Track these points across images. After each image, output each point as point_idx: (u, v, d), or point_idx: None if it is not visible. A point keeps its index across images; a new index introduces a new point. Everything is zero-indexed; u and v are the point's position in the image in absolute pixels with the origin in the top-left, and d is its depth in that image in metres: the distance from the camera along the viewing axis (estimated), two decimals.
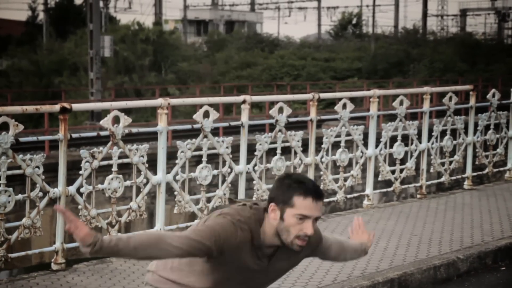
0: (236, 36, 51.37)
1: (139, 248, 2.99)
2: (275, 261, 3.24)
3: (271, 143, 7.09)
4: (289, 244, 3.13)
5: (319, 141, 7.51)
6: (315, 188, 3.12)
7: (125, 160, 6.05)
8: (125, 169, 6.61)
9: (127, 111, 6.23)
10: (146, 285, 3.34)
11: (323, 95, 8.00)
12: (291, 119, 7.37)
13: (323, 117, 8.48)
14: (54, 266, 5.71)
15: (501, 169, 10.01)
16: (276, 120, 7.05)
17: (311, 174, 7.49)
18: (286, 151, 7.25)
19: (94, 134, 6.53)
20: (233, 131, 13.77)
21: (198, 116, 6.38)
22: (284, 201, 3.11)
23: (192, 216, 6.71)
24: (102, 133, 6.09)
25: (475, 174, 9.45)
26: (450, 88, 9.77)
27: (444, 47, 47.99)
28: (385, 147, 8.25)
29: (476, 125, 9.30)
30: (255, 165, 7.02)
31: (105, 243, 2.92)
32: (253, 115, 27.01)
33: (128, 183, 6.08)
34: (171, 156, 6.66)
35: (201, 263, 3.15)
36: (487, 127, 9.47)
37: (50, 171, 6.54)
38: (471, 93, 9.23)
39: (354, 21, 60.77)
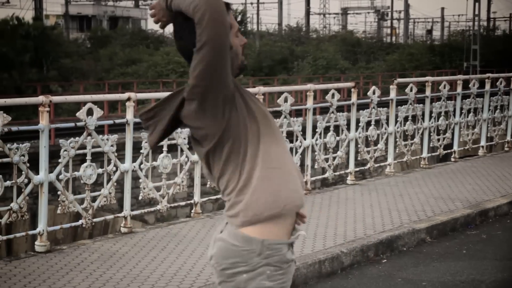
0: (121, 32, 50.65)
1: None
2: None
3: None
4: None
5: None
6: None
7: (5, 160, 5.86)
8: (6, 168, 6.39)
9: (6, 109, 6.01)
10: None
11: None
12: None
13: None
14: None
15: (382, 164, 10.32)
16: None
17: (197, 172, 7.48)
18: (173, 149, 7.20)
19: None
20: (119, 128, 13.59)
21: (81, 113, 6.24)
22: None
23: (77, 216, 6.57)
24: None
25: (357, 169, 9.71)
26: (332, 85, 9.99)
27: (326, 45, 49.10)
28: None
29: (358, 121, 9.56)
30: (141, 163, 6.95)
31: None
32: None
33: (8, 183, 5.88)
34: (54, 155, 6.50)
35: None
36: (368, 124, 9.75)
37: None
38: (352, 90, 9.47)
39: (239, 19, 61.19)
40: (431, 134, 10.96)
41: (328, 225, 7.17)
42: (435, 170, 10.53)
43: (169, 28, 2.75)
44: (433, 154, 11.22)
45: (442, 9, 70.77)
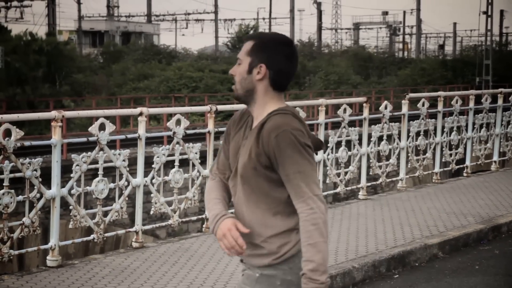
0: (133, 47, 50.89)
1: None
2: None
3: (169, 155, 7.04)
4: None
5: (217, 153, 7.50)
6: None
7: (17, 175, 5.88)
8: (18, 183, 6.42)
9: (19, 124, 6.05)
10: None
11: (221, 107, 8.01)
12: (189, 131, 7.34)
13: (221, 129, 8.47)
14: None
15: (394, 179, 10.29)
16: (174, 132, 7.01)
17: None
18: (184, 164, 7.21)
19: None
20: (130, 143, 13.65)
21: (93, 128, 6.27)
22: None
23: (89, 231, 6.58)
24: None
25: (369, 184, 9.69)
26: (344, 100, 9.98)
27: (338, 60, 49.12)
28: None
29: (370, 136, 9.54)
30: (153, 177, 6.96)
31: None
32: (151, 127, 26.78)
33: (20, 198, 5.90)
34: (66, 169, 6.52)
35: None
36: (380, 138, 9.73)
37: None
38: (364, 105, 9.46)
39: (251, 33, 61.29)
40: (443, 149, 10.92)
41: (339, 240, 7.15)
42: (447, 185, 10.48)
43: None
44: (445, 169, 11.18)
45: (454, 24, 70.79)
